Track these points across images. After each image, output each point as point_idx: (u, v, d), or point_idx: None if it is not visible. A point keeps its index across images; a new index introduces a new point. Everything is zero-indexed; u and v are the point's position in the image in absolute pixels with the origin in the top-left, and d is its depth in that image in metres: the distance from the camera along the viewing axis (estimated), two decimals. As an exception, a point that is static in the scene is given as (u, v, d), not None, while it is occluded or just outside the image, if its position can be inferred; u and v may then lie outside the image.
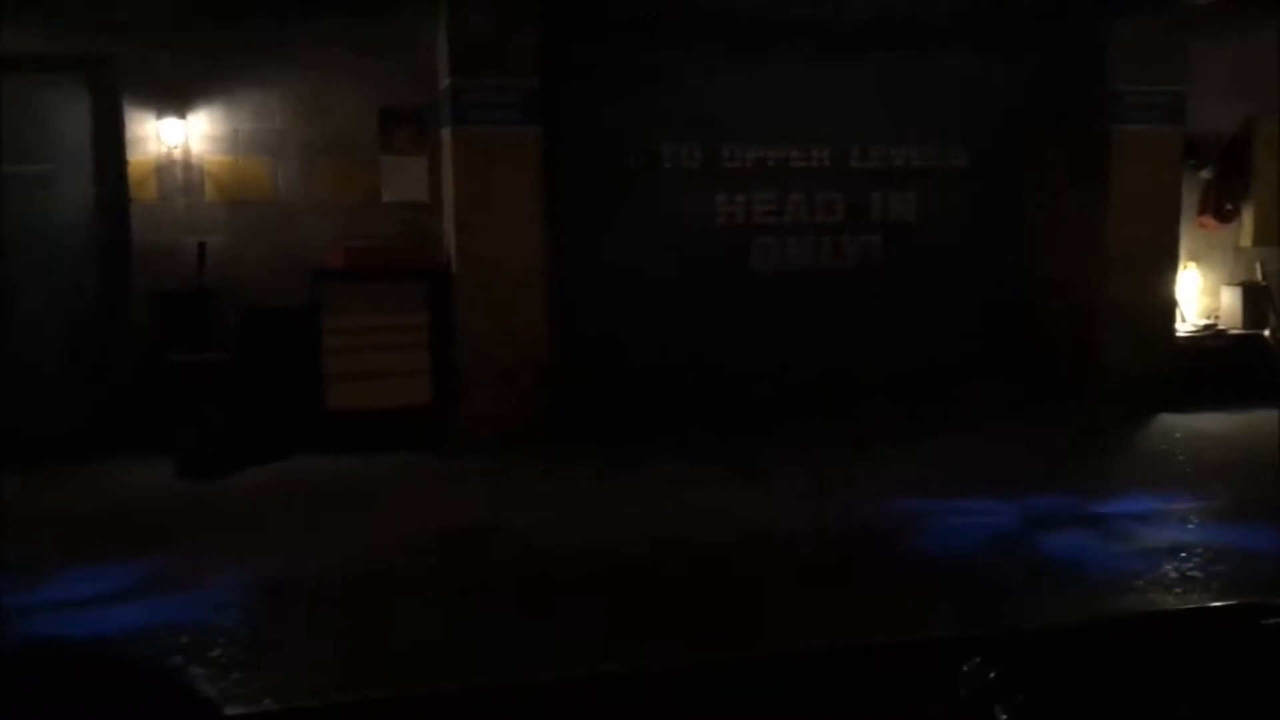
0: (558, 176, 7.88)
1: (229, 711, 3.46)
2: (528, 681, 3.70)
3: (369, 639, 4.35)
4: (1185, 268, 9.43)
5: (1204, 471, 7.07)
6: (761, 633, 4.33)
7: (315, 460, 7.29)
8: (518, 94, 7.65)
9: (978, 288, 9.05)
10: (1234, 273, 9.71)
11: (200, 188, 7.92)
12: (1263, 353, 9.44)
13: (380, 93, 8.05)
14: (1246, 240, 9.63)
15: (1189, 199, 9.30)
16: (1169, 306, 9.12)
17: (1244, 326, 9.49)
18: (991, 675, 2.34)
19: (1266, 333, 9.49)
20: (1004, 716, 2.27)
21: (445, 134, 7.85)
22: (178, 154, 7.87)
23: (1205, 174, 9.46)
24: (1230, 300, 9.61)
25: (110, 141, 7.70)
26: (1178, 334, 9.24)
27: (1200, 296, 9.71)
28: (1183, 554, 5.40)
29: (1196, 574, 5.14)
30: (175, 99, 7.80)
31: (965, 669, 2.39)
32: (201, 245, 7.71)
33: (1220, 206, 9.54)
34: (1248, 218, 9.59)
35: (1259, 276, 9.60)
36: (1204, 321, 9.61)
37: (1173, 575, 5.12)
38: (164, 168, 7.86)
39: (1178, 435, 8.12)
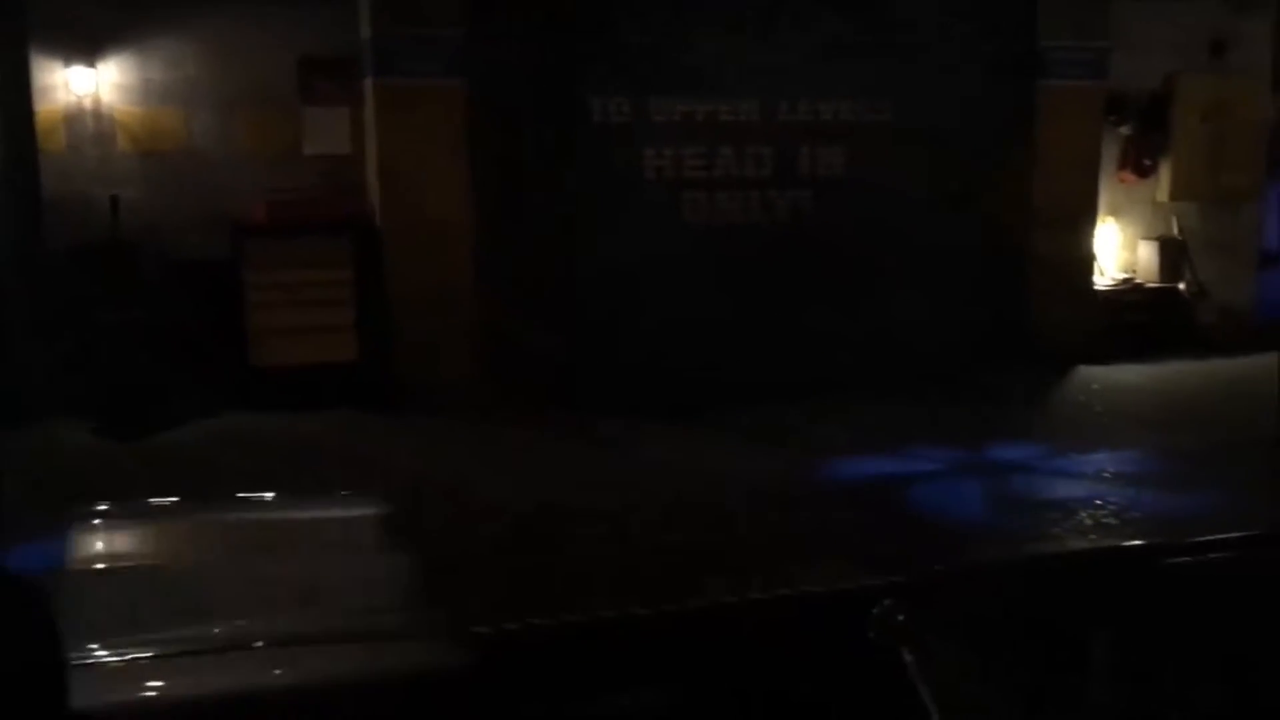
0: (484, 129, 7.75)
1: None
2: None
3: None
4: (1104, 222, 9.61)
5: (1120, 422, 7.25)
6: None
7: (240, 418, 7.15)
8: (443, 44, 7.49)
9: (906, 243, 9.11)
10: (1152, 227, 9.91)
11: (112, 138, 7.67)
12: (1178, 306, 9.68)
13: (299, 41, 7.83)
14: (1164, 195, 9.83)
15: (1109, 154, 9.45)
16: (1089, 260, 9.29)
17: (1161, 280, 9.71)
18: (900, 618, 2.38)
19: (1182, 286, 9.72)
20: (910, 658, 2.31)
21: (368, 85, 7.68)
22: (88, 103, 7.60)
23: (1125, 130, 9.62)
24: (1148, 254, 9.82)
25: (16, 90, 7.39)
26: (1097, 288, 9.43)
27: (1119, 251, 9.90)
28: (1097, 501, 5.55)
29: (1110, 520, 5.28)
30: (84, 46, 7.52)
31: (875, 613, 2.43)
32: (114, 198, 7.47)
33: (1139, 162, 9.71)
34: (1165, 173, 9.78)
35: (1175, 231, 9.81)
36: (1122, 275, 9.81)
37: (1087, 521, 5.26)
38: (73, 117, 7.59)
39: (1095, 387, 8.31)
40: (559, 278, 8.26)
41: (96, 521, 3.03)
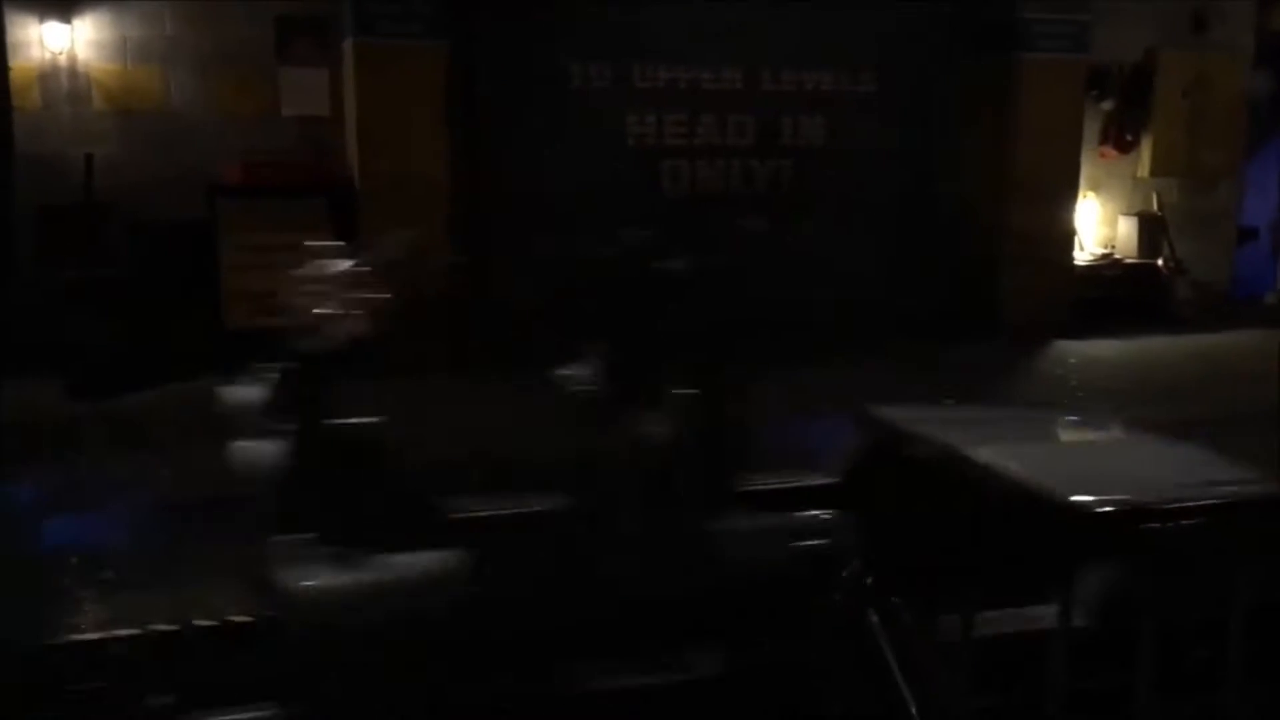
0: (463, 93, 7.69)
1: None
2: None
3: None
4: (1084, 197, 9.63)
5: (1092, 396, 7.29)
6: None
7: (212, 382, 7.08)
8: (425, 5, 7.42)
9: (887, 214, 9.11)
10: (1131, 202, 9.94)
11: (87, 96, 7.57)
12: (1157, 281, 9.73)
13: (278, 0, 7.74)
14: (1144, 171, 9.86)
15: (1090, 128, 9.47)
16: (1069, 235, 9.31)
17: (1140, 256, 9.75)
18: (868, 581, 2.40)
19: (1160, 262, 9.76)
20: (876, 618, 2.33)
21: (347, 45, 7.60)
22: (62, 60, 7.50)
23: (1106, 104, 9.63)
24: (1127, 230, 9.85)
25: (-12, 45, 7.29)
26: (1076, 262, 9.46)
27: (1099, 226, 9.93)
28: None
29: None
30: (59, 1, 7.41)
31: (844, 574, 2.45)
32: (89, 157, 7.39)
33: (1120, 137, 9.73)
34: (1146, 148, 9.80)
35: (1155, 207, 9.85)
36: (1101, 250, 9.84)
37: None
38: (48, 75, 7.49)
39: (1072, 361, 8.35)
40: (536, 244, 8.21)
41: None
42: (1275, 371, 6.80)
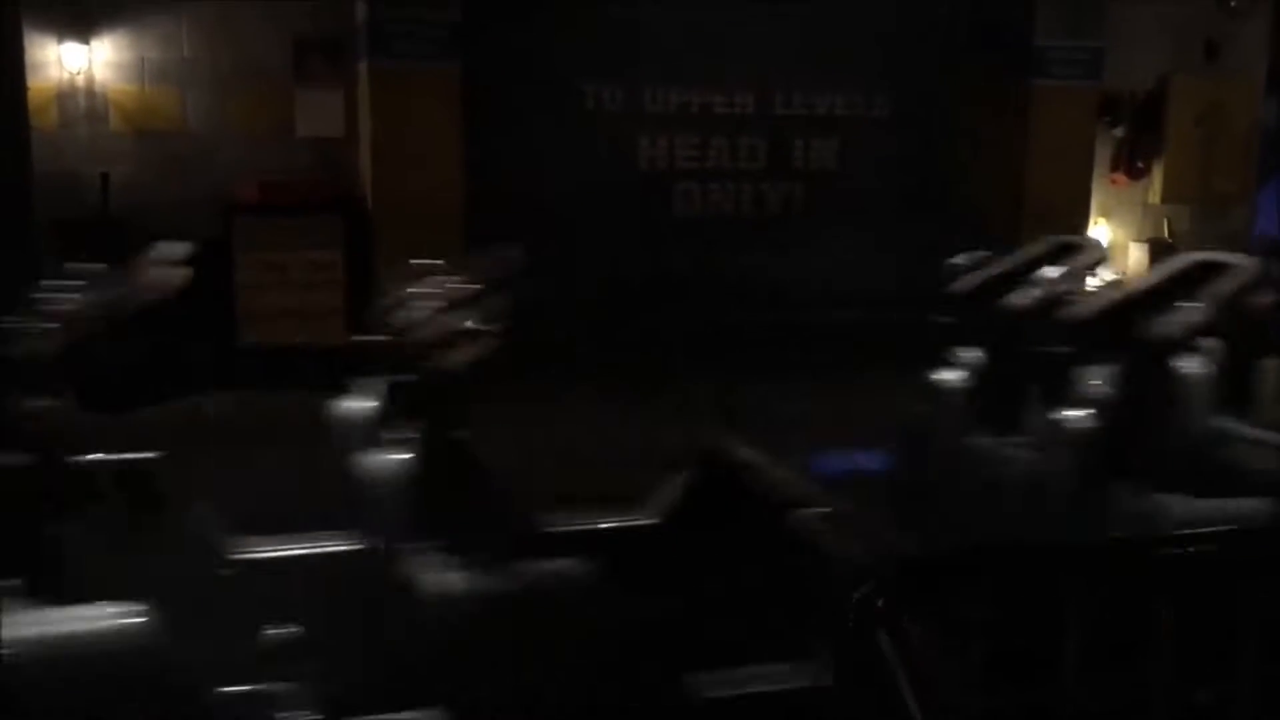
0: (477, 114, 7.74)
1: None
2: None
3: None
4: (1096, 223, 9.62)
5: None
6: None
7: (225, 398, 7.12)
8: (440, 28, 7.48)
9: (897, 239, 9.12)
10: (1143, 229, 9.93)
11: (104, 116, 7.64)
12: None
13: (294, 21, 7.81)
14: (1156, 197, 9.85)
15: (1102, 155, 9.47)
16: (1080, 261, 9.29)
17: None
18: (880, 603, 2.37)
19: (1171, 288, 9.74)
20: (888, 642, 2.31)
21: (363, 67, 7.66)
22: (80, 81, 7.57)
23: (1118, 131, 9.64)
24: (1138, 257, 9.84)
25: (8, 65, 7.35)
26: (1086, 289, 9.43)
27: (1110, 252, 9.92)
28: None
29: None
30: (78, 23, 7.50)
31: (856, 597, 2.43)
32: (105, 176, 7.45)
33: (1132, 163, 9.74)
34: (1158, 175, 9.80)
35: (1166, 234, 9.83)
36: (1112, 277, 9.81)
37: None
38: (65, 94, 7.56)
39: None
40: (549, 266, 8.23)
41: None
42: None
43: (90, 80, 7.60)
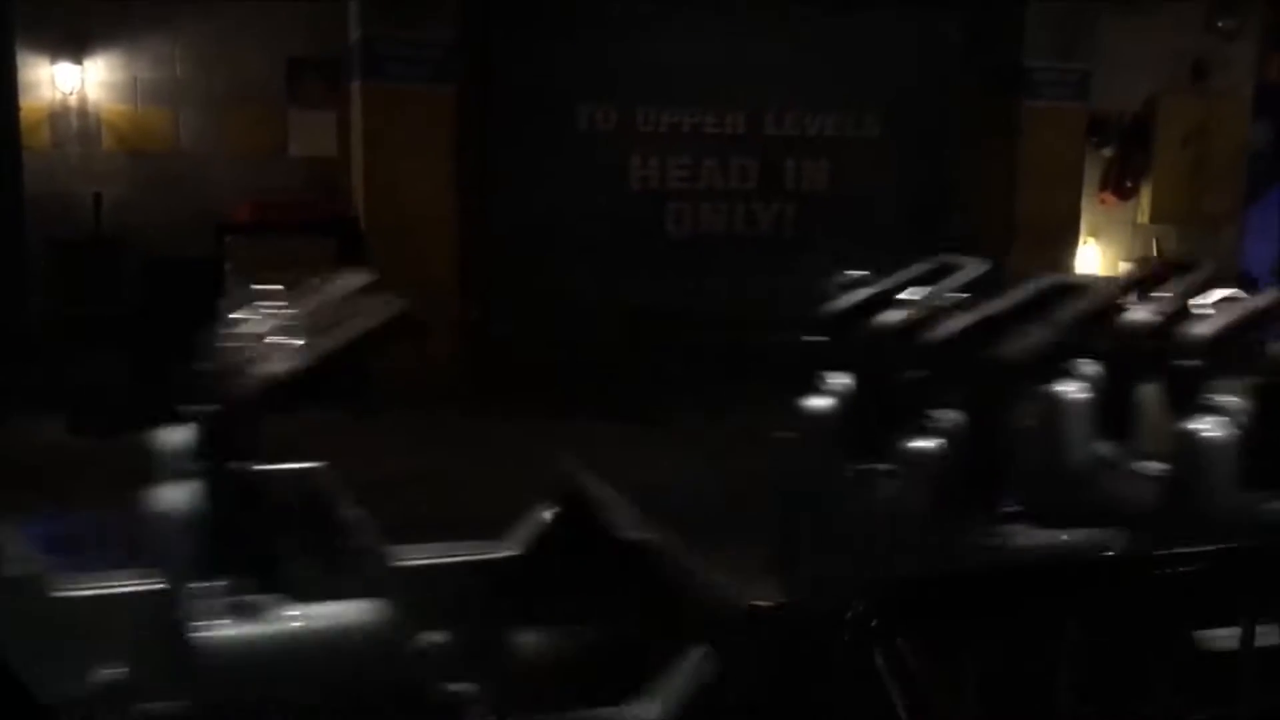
0: (470, 134, 7.76)
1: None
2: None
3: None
4: (1085, 243, 9.67)
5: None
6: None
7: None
8: (432, 49, 7.51)
9: (889, 257, 9.13)
10: (1132, 249, 9.98)
11: (97, 136, 7.65)
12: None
13: (287, 42, 7.84)
14: (1144, 217, 9.91)
15: (1090, 175, 9.53)
16: (1070, 280, 9.34)
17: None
18: (874, 622, 2.37)
19: (1161, 307, 9.78)
20: (882, 661, 2.31)
21: (355, 88, 7.68)
22: (73, 101, 7.58)
23: (1107, 151, 9.70)
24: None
25: (1, 85, 7.37)
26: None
27: (1099, 272, 9.96)
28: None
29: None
30: (71, 43, 7.51)
31: (849, 615, 2.43)
32: (97, 195, 7.45)
33: (1120, 183, 9.80)
34: (1146, 195, 9.86)
35: (1155, 254, 9.88)
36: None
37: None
38: (58, 114, 7.56)
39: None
40: (543, 285, 8.26)
41: None
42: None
43: (83, 100, 7.61)
